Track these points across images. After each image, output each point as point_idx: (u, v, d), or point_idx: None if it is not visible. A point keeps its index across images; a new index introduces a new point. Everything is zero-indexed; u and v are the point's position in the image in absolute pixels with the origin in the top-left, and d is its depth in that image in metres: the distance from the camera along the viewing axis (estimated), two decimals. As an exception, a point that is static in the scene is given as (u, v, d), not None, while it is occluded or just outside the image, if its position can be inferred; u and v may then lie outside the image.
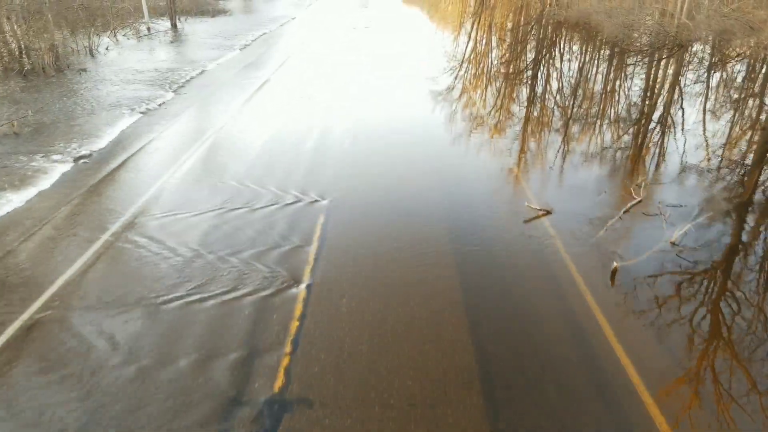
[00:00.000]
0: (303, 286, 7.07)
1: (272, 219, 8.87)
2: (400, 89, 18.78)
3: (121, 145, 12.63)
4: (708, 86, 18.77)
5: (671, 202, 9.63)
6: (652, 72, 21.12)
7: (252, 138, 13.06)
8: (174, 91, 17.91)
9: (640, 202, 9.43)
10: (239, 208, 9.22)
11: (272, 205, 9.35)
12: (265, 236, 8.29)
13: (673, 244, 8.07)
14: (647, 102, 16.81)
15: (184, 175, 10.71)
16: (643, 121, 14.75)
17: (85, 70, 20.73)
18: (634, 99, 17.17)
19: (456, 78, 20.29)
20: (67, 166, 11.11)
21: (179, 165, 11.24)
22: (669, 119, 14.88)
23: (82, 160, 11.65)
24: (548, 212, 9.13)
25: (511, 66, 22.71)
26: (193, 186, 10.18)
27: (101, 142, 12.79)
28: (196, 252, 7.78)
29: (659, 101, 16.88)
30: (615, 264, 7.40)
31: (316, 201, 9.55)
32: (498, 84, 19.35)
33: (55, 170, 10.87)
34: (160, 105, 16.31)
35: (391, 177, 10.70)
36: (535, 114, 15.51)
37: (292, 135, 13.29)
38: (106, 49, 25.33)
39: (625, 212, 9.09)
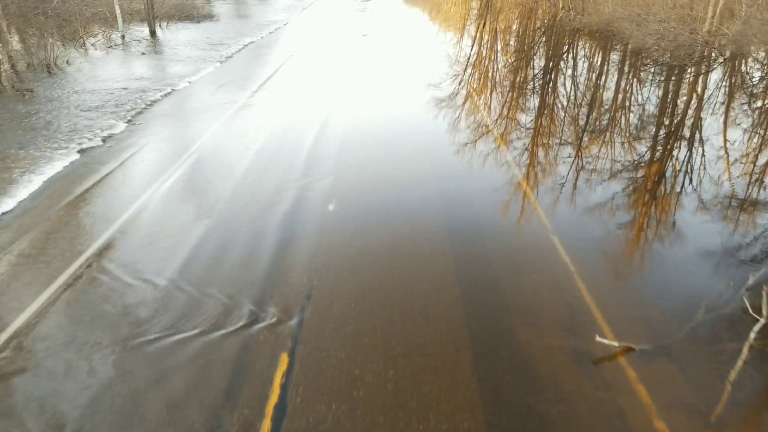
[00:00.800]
0: None
1: (204, 363, 5.72)
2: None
3: (33, 206, 9.50)
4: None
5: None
6: (710, 94, 17.95)
7: (205, 200, 9.89)
8: (128, 121, 14.75)
9: (765, 325, 6.30)
10: (158, 339, 6.08)
11: (210, 332, 6.20)
12: (182, 411, 5.14)
13: None
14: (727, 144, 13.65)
15: (98, 267, 7.56)
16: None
17: (31, 90, 17.59)
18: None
19: (471, 103, 17.13)
20: (-64, 251, 7.98)
21: (97, 247, 8.09)
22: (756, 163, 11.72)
23: (-31, 235, 8.53)
24: (630, 348, 5.98)
25: (527, 81, 19.56)
26: (103, 291, 7.03)
27: (9, 203, 9.66)
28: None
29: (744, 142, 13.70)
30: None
31: (280, 322, 6.40)
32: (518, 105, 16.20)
33: None
34: (104, 140, 13.16)
35: (388, 267, 7.55)
36: (577, 155, 12.33)
37: (261, 194, 10.11)
38: (67, 62, 22.19)
39: (749, 346, 5.96)
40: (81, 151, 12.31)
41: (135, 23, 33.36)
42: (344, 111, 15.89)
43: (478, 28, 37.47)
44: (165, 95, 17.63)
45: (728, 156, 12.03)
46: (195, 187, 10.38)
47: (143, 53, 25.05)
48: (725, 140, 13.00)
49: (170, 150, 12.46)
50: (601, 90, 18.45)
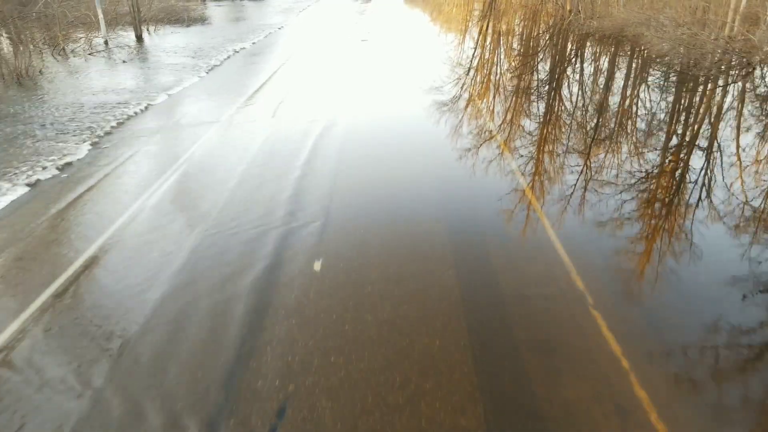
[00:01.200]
0: None
1: None
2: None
3: (-47, 263, 7.77)
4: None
5: None
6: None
7: (164, 260, 8.16)
8: (93, 143, 13.02)
9: None
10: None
11: (139, 482, 4.46)
12: None
13: None
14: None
15: (20, 353, 5.82)
16: None
17: (-8, 105, 15.89)
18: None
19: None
20: None
21: (22, 323, 6.36)
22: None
23: None
24: None
25: (544, 87, 17.82)
26: (26, 386, 5.28)
27: (-74, 256, 7.94)
28: None
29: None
30: None
31: (236, 461, 4.65)
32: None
33: None
34: (61, 169, 11.44)
35: (388, 371, 5.79)
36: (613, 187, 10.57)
37: (229, 253, 8.37)
38: (39, 72, 20.48)
39: None
40: (30, 185, 10.58)
41: (122, 27, 31.69)
42: (338, 130, 14.13)
43: (481, 31, 35.73)
44: (140, 111, 15.90)
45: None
46: (159, 236, 8.62)
47: (125, 61, 23.32)
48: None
49: (134, 182, 10.71)
50: (632, 101, 16.71)
